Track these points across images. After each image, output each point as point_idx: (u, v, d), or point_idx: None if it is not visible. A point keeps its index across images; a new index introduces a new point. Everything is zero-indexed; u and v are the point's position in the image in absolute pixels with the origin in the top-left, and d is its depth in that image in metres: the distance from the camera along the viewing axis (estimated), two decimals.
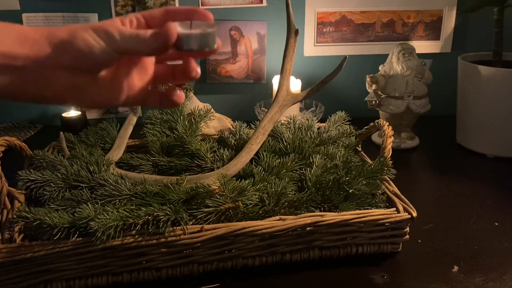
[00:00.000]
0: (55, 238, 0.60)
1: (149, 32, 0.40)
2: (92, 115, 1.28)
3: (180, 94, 0.49)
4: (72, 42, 0.39)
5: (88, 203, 0.65)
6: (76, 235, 0.61)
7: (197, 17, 0.45)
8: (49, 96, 0.41)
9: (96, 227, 0.59)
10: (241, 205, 0.66)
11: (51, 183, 0.70)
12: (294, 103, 0.82)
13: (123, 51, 0.40)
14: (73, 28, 0.40)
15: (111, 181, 0.69)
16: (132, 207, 0.65)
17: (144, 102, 0.48)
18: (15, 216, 0.64)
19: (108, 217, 0.61)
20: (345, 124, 0.91)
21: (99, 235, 0.59)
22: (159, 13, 0.44)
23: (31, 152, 0.79)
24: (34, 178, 0.71)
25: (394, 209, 0.69)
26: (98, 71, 0.42)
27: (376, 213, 0.68)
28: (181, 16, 0.44)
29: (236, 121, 0.90)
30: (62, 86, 0.41)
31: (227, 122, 0.99)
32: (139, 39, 0.40)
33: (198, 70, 0.48)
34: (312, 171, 0.75)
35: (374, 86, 1.10)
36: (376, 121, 0.85)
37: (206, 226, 0.64)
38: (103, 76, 0.43)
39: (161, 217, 0.62)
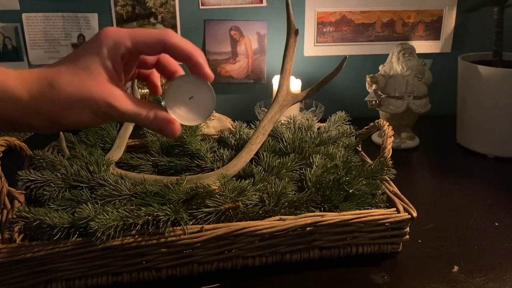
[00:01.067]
0: (55, 238, 0.60)
1: (152, 114, 0.41)
2: None
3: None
4: (66, 121, 0.38)
5: (88, 203, 0.64)
6: (76, 235, 0.61)
7: (190, 65, 0.43)
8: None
9: (96, 227, 0.59)
10: (241, 205, 0.66)
11: (51, 183, 0.70)
12: (294, 103, 0.82)
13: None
14: (67, 105, 0.37)
15: (111, 181, 0.69)
16: (132, 207, 0.64)
17: None
18: (15, 216, 0.64)
19: (108, 217, 0.61)
20: (345, 124, 0.91)
21: (99, 235, 0.59)
22: (155, 44, 0.41)
23: (31, 152, 0.79)
24: (34, 178, 0.71)
25: (394, 209, 0.69)
26: None
27: (376, 213, 0.68)
28: (178, 56, 0.43)
29: (236, 121, 0.90)
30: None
31: (227, 122, 0.99)
32: (138, 119, 0.40)
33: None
34: (312, 171, 0.75)
35: (374, 86, 1.10)
36: (376, 121, 0.85)
37: (206, 226, 0.64)
38: None
39: (161, 217, 0.62)
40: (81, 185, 0.70)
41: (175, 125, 0.42)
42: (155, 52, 0.42)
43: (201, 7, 1.21)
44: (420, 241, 0.76)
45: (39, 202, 0.70)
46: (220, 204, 0.65)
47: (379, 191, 0.73)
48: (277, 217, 0.66)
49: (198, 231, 0.63)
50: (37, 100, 0.37)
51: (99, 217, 0.60)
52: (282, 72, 0.81)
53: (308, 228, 0.66)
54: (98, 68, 0.39)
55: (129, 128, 0.86)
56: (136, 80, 0.90)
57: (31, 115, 0.37)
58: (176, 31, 1.22)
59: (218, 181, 0.68)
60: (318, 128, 0.89)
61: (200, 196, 0.67)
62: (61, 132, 0.84)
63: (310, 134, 0.86)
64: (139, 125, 0.42)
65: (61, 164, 0.74)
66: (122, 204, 0.66)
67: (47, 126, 0.38)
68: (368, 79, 1.10)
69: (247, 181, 0.71)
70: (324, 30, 1.26)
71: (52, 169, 0.74)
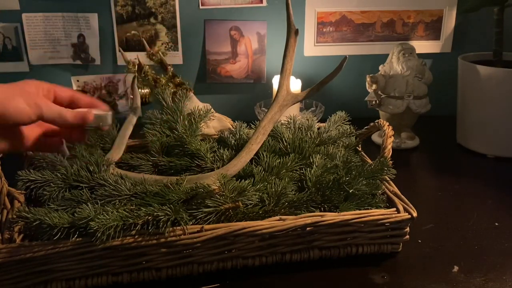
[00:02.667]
0: (55, 238, 0.60)
1: (69, 112, 0.53)
2: None
3: (63, 150, 0.62)
4: (4, 110, 0.47)
5: (88, 203, 0.64)
6: (76, 235, 0.61)
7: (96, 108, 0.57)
8: None
9: (96, 227, 0.59)
10: (241, 205, 0.66)
11: (51, 183, 0.70)
12: (294, 103, 0.82)
13: (44, 120, 0.51)
14: (5, 96, 0.47)
15: (111, 181, 0.69)
16: (132, 207, 0.64)
17: (38, 149, 0.60)
18: (15, 216, 0.64)
19: (108, 217, 0.61)
20: (345, 124, 0.91)
21: (99, 235, 0.59)
22: (66, 95, 0.57)
23: (31, 152, 0.79)
24: (34, 178, 0.71)
25: (394, 209, 0.69)
26: (15, 128, 0.53)
27: (376, 213, 0.68)
28: (83, 105, 0.57)
29: (236, 121, 0.90)
30: None
31: (227, 122, 0.99)
32: (61, 117, 0.52)
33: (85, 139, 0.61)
34: (312, 171, 0.75)
35: (374, 86, 1.10)
36: (376, 121, 0.85)
37: (206, 226, 0.64)
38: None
39: (161, 217, 0.62)
40: (81, 185, 0.70)
41: (91, 116, 0.55)
42: (65, 97, 0.57)
43: (201, 7, 1.21)
44: (420, 241, 0.76)
45: (39, 202, 0.70)
46: (220, 204, 0.65)
47: (379, 191, 0.73)
48: (277, 217, 0.66)
49: (198, 231, 0.63)
50: None
51: (99, 217, 0.60)
52: (282, 72, 0.81)
53: (308, 228, 0.66)
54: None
55: (129, 128, 0.86)
56: (136, 80, 0.90)
57: None
58: (176, 31, 1.22)
59: (218, 181, 0.68)
60: (318, 128, 0.89)
61: (200, 196, 0.67)
62: None
63: (310, 134, 0.86)
64: (57, 123, 0.53)
65: (61, 164, 0.74)
66: (122, 204, 0.66)
67: None
68: (368, 79, 1.10)
69: (247, 181, 0.71)
70: (324, 30, 1.26)
71: (52, 169, 0.74)
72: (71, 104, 0.57)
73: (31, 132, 0.57)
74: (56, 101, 0.55)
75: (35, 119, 0.50)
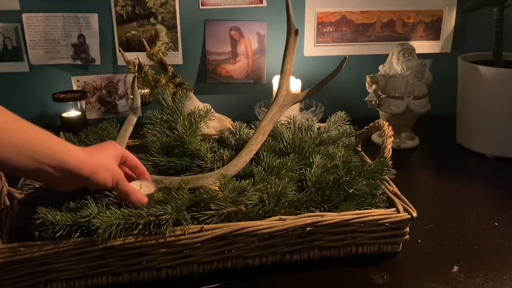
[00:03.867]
0: (56, 236, 0.60)
1: (133, 196, 0.64)
2: (92, 115, 1.28)
3: None
4: (94, 179, 0.60)
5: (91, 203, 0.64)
6: (78, 234, 0.61)
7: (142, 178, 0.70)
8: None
9: (99, 224, 0.59)
10: (243, 208, 0.66)
11: None
12: (294, 103, 0.82)
13: (115, 190, 0.64)
14: (97, 170, 0.59)
15: None
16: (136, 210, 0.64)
17: None
18: (15, 216, 0.64)
19: (110, 215, 0.61)
20: (345, 124, 0.91)
21: (100, 232, 0.59)
22: (132, 162, 0.68)
23: None
24: None
25: (394, 209, 0.69)
26: None
27: (376, 213, 0.68)
28: (137, 173, 0.69)
29: (236, 121, 0.90)
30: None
31: (227, 122, 0.99)
32: (127, 196, 0.64)
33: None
34: (312, 171, 0.75)
35: (374, 86, 1.10)
36: (376, 121, 0.85)
37: (206, 226, 0.64)
38: None
39: (163, 217, 0.62)
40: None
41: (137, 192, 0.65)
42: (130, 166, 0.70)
43: (201, 7, 1.22)
44: (420, 241, 0.76)
45: (39, 203, 0.70)
46: (222, 207, 0.65)
47: (379, 191, 0.73)
48: (277, 217, 0.66)
49: (198, 231, 0.63)
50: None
51: (101, 215, 0.60)
52: (282, 72, 0.81)
53: (308, 228, 0.66)
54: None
55: (129, 128, 0.86)
56: (136, 80, 0.90)
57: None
58: (176, 31, 1.22)
59: (218, 181, 0.68)
60: (318, 128, 0.89)
61: (203, 201, 0.67)
62: (61, 132, 0.84)
63: (310, 134, 0.86)
64: (126, 199, 0.64)
65: None
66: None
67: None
68: (368, 79, 1.10)
69: (247, 181, 0.71)
70: (324, 30, 1.26)
71: None
72: (131, 168, 0.69)
73: None
74: (124, 164, 0.67)
75: (110, 188, 0.62)
